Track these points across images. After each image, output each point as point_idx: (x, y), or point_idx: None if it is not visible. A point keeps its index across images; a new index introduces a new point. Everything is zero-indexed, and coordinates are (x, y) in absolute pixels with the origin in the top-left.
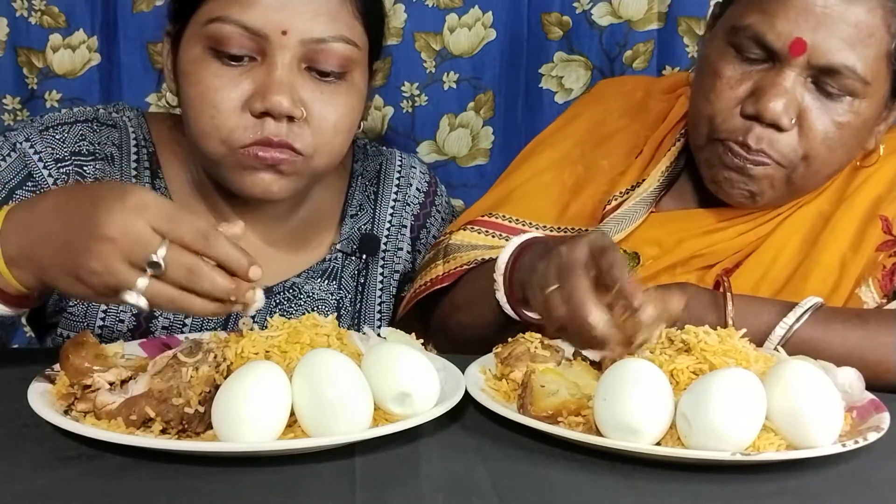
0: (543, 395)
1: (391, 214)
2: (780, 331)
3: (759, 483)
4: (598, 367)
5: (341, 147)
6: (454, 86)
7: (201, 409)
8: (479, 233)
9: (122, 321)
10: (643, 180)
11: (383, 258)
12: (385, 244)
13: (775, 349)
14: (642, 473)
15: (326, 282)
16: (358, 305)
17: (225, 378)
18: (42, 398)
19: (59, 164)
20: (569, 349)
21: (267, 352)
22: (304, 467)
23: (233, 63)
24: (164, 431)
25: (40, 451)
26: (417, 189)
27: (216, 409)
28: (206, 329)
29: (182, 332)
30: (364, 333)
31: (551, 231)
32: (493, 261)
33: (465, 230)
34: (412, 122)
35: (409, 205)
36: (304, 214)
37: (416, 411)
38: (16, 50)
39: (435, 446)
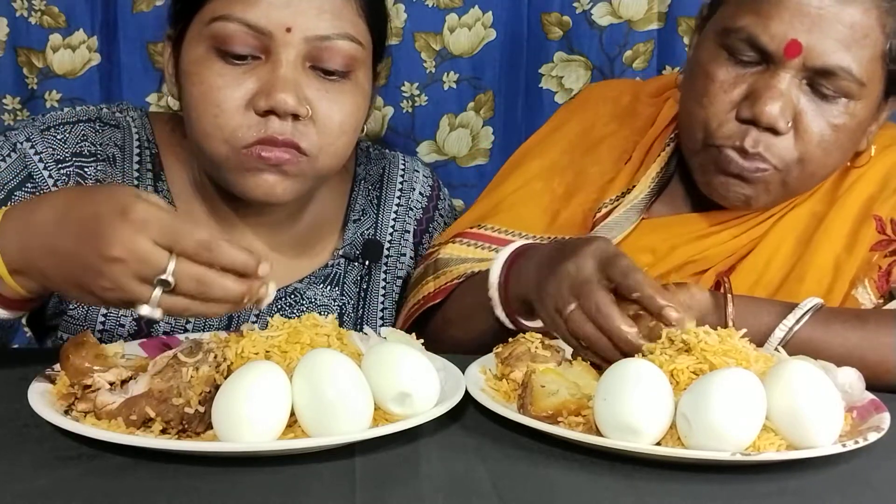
0: (543, 395)
1: (394, 219)
2: (779, 333)
3: (759, 483)
4: (599, 367)
5: (346, 148)
6: (454, 86)
7: (201, 409)
8: (468, 245)
9: (122, 325)
10: (633, 186)
11: (386, 263)
12: (388, 249)
13: (776, 350)
14: (642, 473)
15: (329, 288)
16: (360, 311)
17: (225, 378)
18: (42, 398)
19: (60, 165)
20: (569, 349)
21: (267, 352)
22: (304, 467)
23: (237, 62)
24: (164, 431)
25: (40, 451)
26: (420, 193)
27: (216, 409)
28: (209, 330)
29: (183, 334)
30: (364, 333)
31: (541, 241)
32: (482, 273)
33: (454, 243)
34: (412, 122)
35: (412, 210)
36: (307, 219)
37: (416, 411)
38: (16, 50)
39: (435, 446)
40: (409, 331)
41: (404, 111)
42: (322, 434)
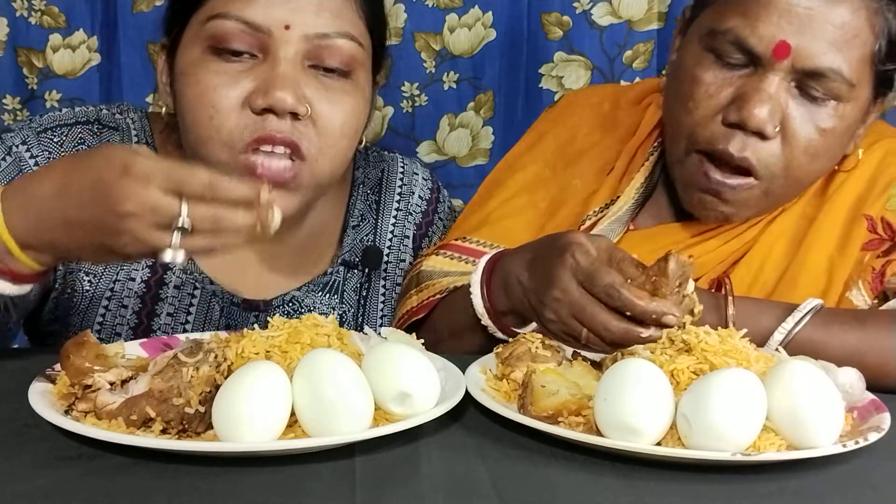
0: (544, 395)
1: (394, 224)
2: (778, 335)
3: (759, 483)
4: (599, 367)
5: (345, 153)
6: (454, 86)
7: (202, 409)
8: (451, 258)
9: (118, 334)
10: (617, 197)
11: (385, 270)
12: (387, 256)
13: (776, 350)
14: (642, 473)
15: (328, 296)
16: (360, 319)
17: (225, 378)
18: (43, 398)
19: None
20: (569, 349)
21: (267, 352)
22: (305, 467)
23: (234, 59)
24: (164, 431)
25: (41, 451)
26: (420, 197)
27: (216, 409)
28: (208, 330)
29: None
30: (364, 333)
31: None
32: (464, 288)
33: (437, 255)
34: (412, 122)
35: (411, 214)
36: (306, 227)
37: (417, 411)
38: (16, 50)
39: (435, 446)
40: None
41: (404, 111)
42: (322, 434)
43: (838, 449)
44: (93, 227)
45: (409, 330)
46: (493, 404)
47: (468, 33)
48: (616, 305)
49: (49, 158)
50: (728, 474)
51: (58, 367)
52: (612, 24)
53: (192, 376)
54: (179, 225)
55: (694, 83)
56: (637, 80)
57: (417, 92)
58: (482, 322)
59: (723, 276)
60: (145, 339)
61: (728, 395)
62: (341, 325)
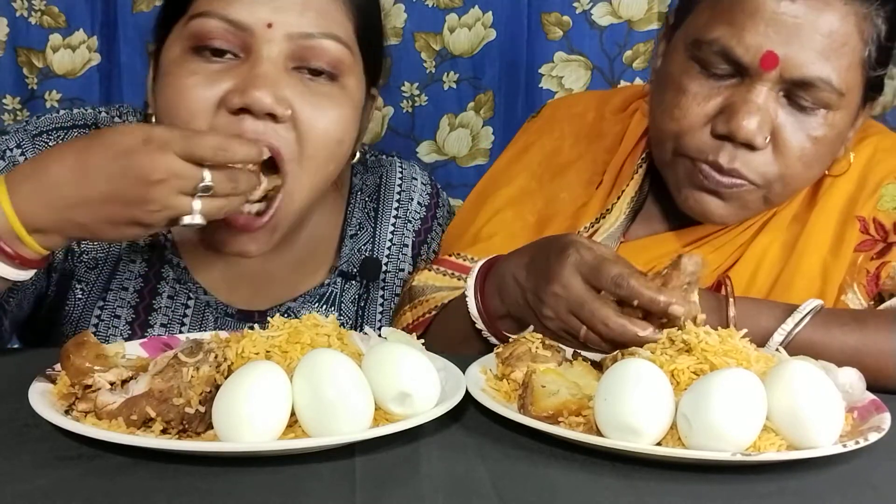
0: (544, 395)
1: (392, 233)
2: (778, 336)
3: (759, 483)
4: (599, 367)
5: (329, 164)
6: (454, 86)
7: (202, 409)
8: (443, 274)
9: (114, 335)
10: (608, 210)
11: (384, 279)
12: (386, 265)
13: (776, 350)
14: (642, 473)
15: (325, 307)
16: (358, 330)
17: (225, 378)
18: (43, 398)
19: None
20: (569, 349)
21: (267, 352)
22: (305, 467)
23: (215, 59)
24: (164, 431)
25: (41, 451)
26: (419, 203)
27: (216, 409)
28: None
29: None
30: (365, 333)
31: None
32: (457, 300)
33: (429, 270)
34: (412, 122)
35: (410, 221)
36: (303, 237)
37: (417, 411)
38: (16, 50)
39: (435, 446)
40: None
41: (404, 111)
42: (322, 434)
43: (838, 449)
44: (118, 202)
45: None
46: (494, 404)
47: (468, 33)
48: (624, 294)
49: None
50: (728, 474)
51: (58, 367)
52: (612, 24)
53: (192, 376)
54: (204, 184)
55: (680, 92)
56: (637, 80)
57: (417, 92)
58: (477, 326)
59: (723, 277)
60: (145, 339)
61: (728, 395)
62: None
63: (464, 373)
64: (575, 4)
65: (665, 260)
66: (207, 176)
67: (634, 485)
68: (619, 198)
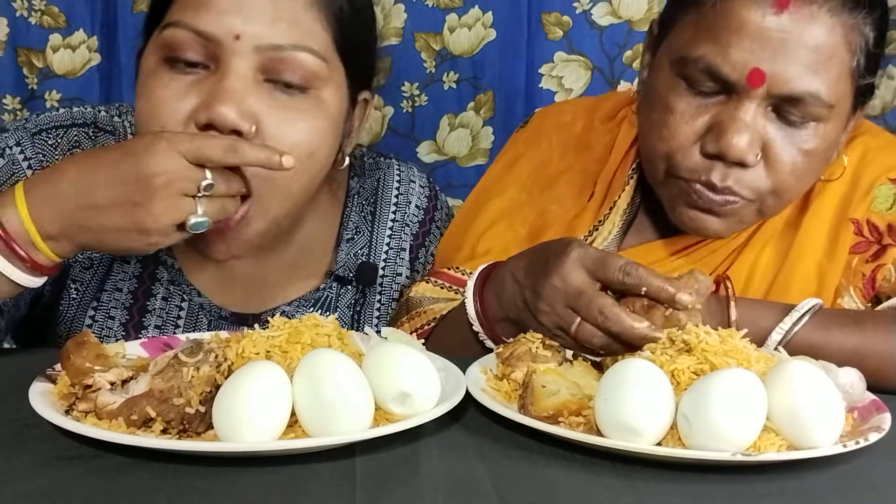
0: (544, 395)
1: (389, 237)
2: (776, 335)
3: (759, 483)
4: (599, 367)
5: (300, 179)
6: (454, 86)
7: (202, 409)
8: (440, 287)
9: (107, 337)
10: (600, 222)
11: (381, 284)
12: (383, 269)
13: (776, 350)
14: (642, 473)
15: (320, 312)
16: None
17: (226, 378)
18: (43, 398)
19: None
20: (569, 350)
21: (268, 352)
22: (305, 467)
23: (188, 69)
24: (164, 431)
25: (41, 451)
26: (417, 206)
27: (217, 409)
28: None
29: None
30: (365, 333)
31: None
32: (455, 310)
33: (426, 282)
34: (412, 122)
35: (407, 225)
36: (298, 240)
37: (417, 411)
38: (16, 50)
39: (435, 446)
40: None
41: (404, 111)
42: (322, 434)
43: (839, 449)
44: (124, 203)
45: None
46: (494, 404)
47: (468, 33)
48: (632, 282)
49: (43, 161)
50: (728, 474)
51: (58, 367)
52: (612, 24)
53: (192, 376)
54: (207, 183)
55: (667, 111)
56: (637, 80)
57: (417, 92)
58: (475, 329)
59: (722, 278)
60: (145, 339)
61: (728, 395)
62: None
63: (464, 373)
64: (575, 4)
65: (658, 267)
66: (209, 175)
67: (634, 485)
68: (611, 209)
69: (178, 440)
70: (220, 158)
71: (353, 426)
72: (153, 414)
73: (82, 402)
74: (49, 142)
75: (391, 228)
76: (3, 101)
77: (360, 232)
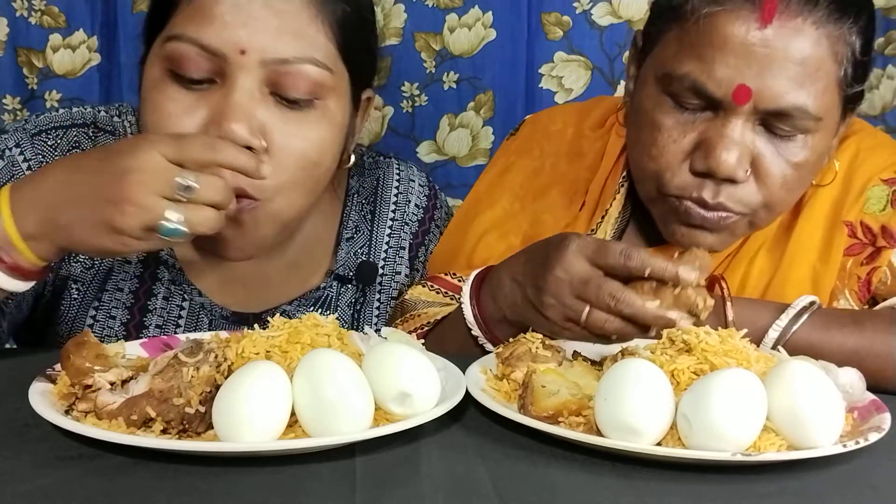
0: (544, 395)
1: (389, 236)
2: (773, 333)
3: (759, 483)
4: (599, 367)
5: (308, 185)
6: (454, 86)
7: (202, 409)
8: (436, 292)
9: (108, 337)
10: (593, 231)
11: (380, 283)
12: (382, 268)
13: (775, 350)
14: (642, 473)
15: (320, 311)
16: None
17: (226, 378)
18: (43, 398)
19: None
20: (569, 350)
21: (267, 352)
22: (305, 467)
23: (193, 86)
24: (164, 431)
25: (41, 451)
26: (416, 206)
27: (217, 409)
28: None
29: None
30: (365, 333)
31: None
32: (452, 315)
33: (422, 286)
34: (412, 122)
35: (407, 224)
36: (298, 240)
37: (417, 411)
38: (16, 50)
39: (435, 446)
40: None
41: (404, 111)
42: (322, 434)
43: (838, 449)
44: (96, 197)
45: None
46: (494, 404)
47: (468, 33)
48: (634, 265)
49: (43, 162)
50: (728, 474)
51: (58, 367)
52: (612, 24)
53: (192, 376)
54: (184, 184)
55: (655, 129)
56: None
57: (417, 92)
58: (473, 332)
59: (717, 279)
60: (145, 339)
61: (728, 395)
62: None
63: (464, 373)
64: (575, 4)
65: None
66: (190, 177)
67: (634, 485)
68: (603, 217)
69: (178, 440)
70: (199, 154)
71: (353, 426)
72: (153, 414)
73: (82, 402)
74: (49, 143)
75: (391, 227)
76: (3, 101)
77: (359, 231)
